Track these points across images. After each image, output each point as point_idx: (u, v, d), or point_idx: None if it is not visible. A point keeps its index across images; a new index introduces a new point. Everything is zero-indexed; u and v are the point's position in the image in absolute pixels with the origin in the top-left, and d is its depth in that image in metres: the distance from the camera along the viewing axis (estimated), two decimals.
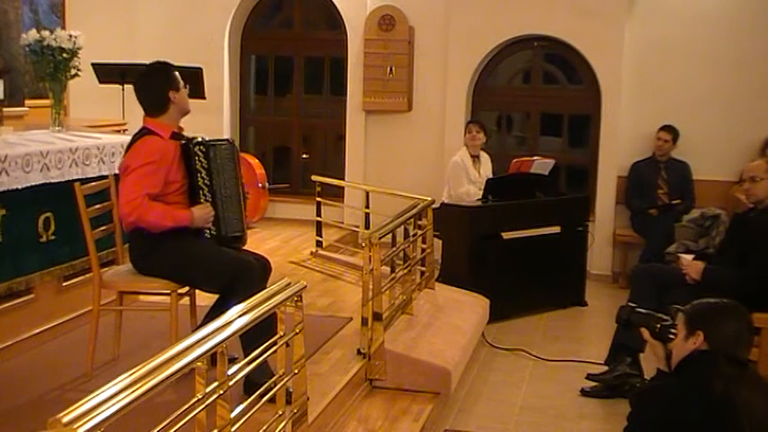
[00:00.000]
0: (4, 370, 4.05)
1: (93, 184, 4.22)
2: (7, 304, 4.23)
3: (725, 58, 7.54)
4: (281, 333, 3.12)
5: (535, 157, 7.14)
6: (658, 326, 3.05)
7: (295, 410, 3.24)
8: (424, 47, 8.23)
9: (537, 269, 6.54)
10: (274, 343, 3.08)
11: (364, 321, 4.38)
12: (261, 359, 2.99)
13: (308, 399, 3.37)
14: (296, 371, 3.21)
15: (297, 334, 3.21)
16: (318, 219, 7.13)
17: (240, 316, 2.75)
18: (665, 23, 7.68)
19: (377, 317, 4.37)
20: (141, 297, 4.73)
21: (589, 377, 5.12)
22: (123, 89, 7.09)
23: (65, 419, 1.83)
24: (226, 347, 2.57)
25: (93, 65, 6.93)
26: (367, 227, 6.76)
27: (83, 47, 5.15)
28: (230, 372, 2.63)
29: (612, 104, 7.74)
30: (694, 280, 4.73)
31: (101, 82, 7.25)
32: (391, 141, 8.36)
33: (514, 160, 7.17)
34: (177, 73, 3.96)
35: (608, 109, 7.76)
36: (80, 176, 4.49)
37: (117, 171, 4.37)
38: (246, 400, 2.90)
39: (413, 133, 8.30)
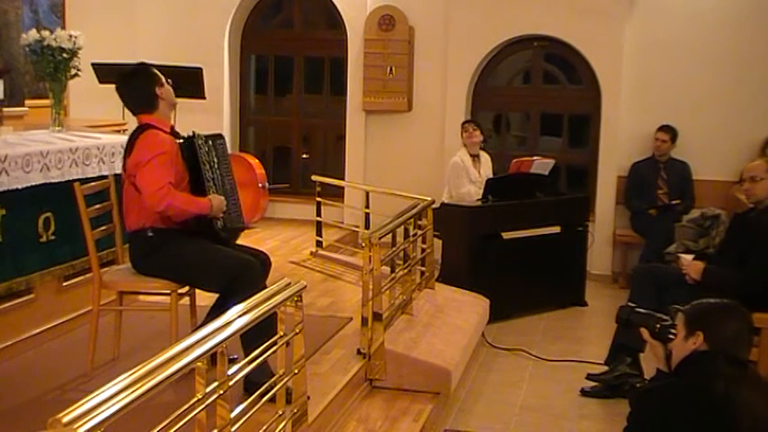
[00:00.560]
0: (4, 370, 4.05)
1: (93, 184, 4.22)
2: (7, 304, 4.23)
3: (725, 58, 7.54)
4: (281, 333, 3.12)
5: (535, 157, 7.14)
6: (658, 326, 3.04)
7: (295, 410, 3.25)
8: (424, 47, 8.23)
9: (537, 269, 6.54)
10: (274, 343, 3.09)
11: (364, 321, 4.38)
12: (261, 359, 3.00)
13: (308, 399, 3.37)
14: (296, 371, 3.22)
15: (297, 334, 3.21)
16: (318, 219, 7.12)
17: (240, 316, 2.75)
18: (665, 23, 7.68)
19: (377, 317, 4.37)
20: (141, 297, 4.73)
21: (589, 377, 5.12)
22: None
23: (65, 419, 1.83)
24: (226, 347, 2.57)
25: (93, 65, 6.93)
26: (367, 227, 6.76)
27: (83, 47, 5.15)
28: (230, 372, 2.63)
29: (612, 104, 7.75)
30: (694, 280, 4.73)
31: (101, 82, 7.25)
32: (391, 141, 8.37)
33: (514, 160, 7.18)
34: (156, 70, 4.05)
35: (608, 109, 7.76)
36: (80, 176, 4.49)
37: (118, 171, 4.38)
38: (246, 400, 2.91)
39: (413, 133, 8.30)
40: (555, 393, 5.06)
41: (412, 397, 4.36)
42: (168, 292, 3.96)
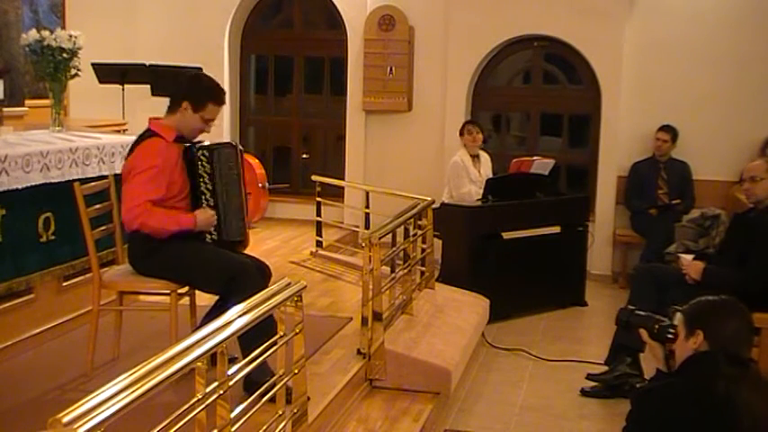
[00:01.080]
0: (4, 370, 4.05)
1: (93, 184, 4.22)
2: (7, 304, 4.23)
3: (725, 58, 7.54)
4: (281, 333, 3.12)
5: (535, 157, 7.14)
6: (656, 327, 3.04)
7: (295, 410, 3.25)
8: (424, 47, 8.23)
9: (537, 269, 6.54)
10: (274, 343, 3.08)
11: (364, 321, 4.38)
12: (261, 359, 2.99)
13: (308, 399, 3.37)
14: (296, 371, 3.22)
15: (297, 334, 3.21)
16: (318, 219, 7.12)
17: (240, 316, 2.75)
18: (665, 23, 7.68)
19: (377, 317, 4.37)
20: (141, 297, 4.73)
21: (589, 377, 5.12)
22: (123, 89, 7.09)
23: (65, 419, 1.83)
24: (226, 347, 2.57)
25: (93, 65, 6.94)
26: (367, 227, 6.76)
27: (83, 47, 5.15)
28: (230, 372, 2.63)
29: (612, 104, 7.75)
30: (694, 280, 4.73)
31: (101, 82, 7.25)
32: (391, 141, 8.37)
33: (514, 160, 7.18)
34: (213, 104, 3.90)
35: (608, 109, 7.76)
36: (80, 176, 4.49)
37: (118, 171, 4.39)
38: (246, 400, 2.91)
39: (413, 133, 8.30)
40: (555, 393, 5.06)
41: (412, 397, 4.36)
42: (168, 292, 3.96)
